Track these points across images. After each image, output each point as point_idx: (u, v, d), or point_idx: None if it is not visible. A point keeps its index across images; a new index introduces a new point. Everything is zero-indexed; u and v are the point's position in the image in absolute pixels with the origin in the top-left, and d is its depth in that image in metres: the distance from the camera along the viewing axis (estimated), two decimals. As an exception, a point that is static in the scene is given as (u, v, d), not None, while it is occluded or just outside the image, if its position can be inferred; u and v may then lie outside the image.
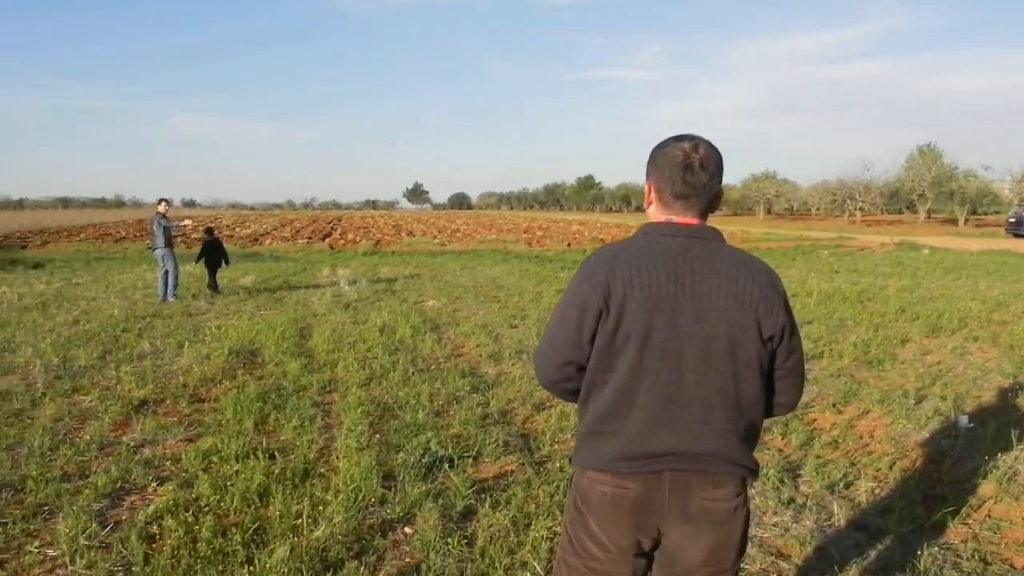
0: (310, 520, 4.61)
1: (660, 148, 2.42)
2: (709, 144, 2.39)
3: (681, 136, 2.41)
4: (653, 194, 2.45)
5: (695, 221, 2.39)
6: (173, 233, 15.21)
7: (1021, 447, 6.00)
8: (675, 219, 2.39)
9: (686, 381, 2.29)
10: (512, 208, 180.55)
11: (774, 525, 4.76)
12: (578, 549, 2.41)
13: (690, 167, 2.34)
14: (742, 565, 4.28)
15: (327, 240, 37.03)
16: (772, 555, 4.40)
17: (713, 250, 2.35)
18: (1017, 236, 40.53)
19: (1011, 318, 12.35)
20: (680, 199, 2.37)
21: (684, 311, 2.27)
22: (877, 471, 5.66)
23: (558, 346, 2.39)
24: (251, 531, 4.49)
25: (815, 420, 6.92)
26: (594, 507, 2.34)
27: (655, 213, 2.45)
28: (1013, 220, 42.92)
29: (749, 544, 4.46)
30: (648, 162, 2.46)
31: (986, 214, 70.53)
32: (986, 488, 5.28)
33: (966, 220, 60.31)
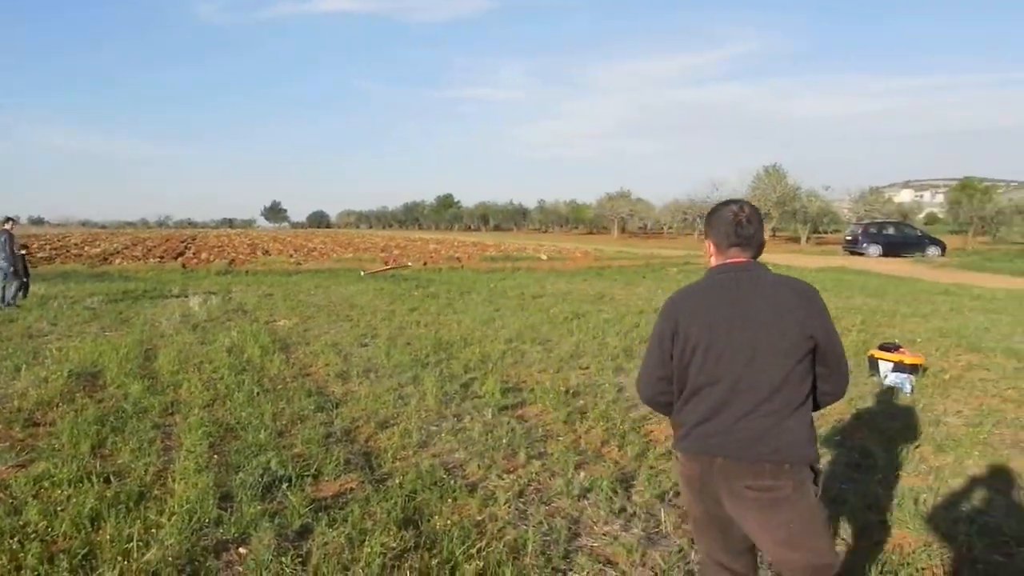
0: (142, 543, 4.56)
1: (715, 212, 3.25)
2: (751, 205, 3.24)
3: (729, 201, 3.29)
4: (712, 247, 3.24)
5: (744, 260, 3.15)
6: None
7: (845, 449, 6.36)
8: (730, 261, 3.16)
9: (742, 382, 2.99)
10: (371, 227, 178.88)
11: (604, 534, 4.94)
12: (686, 504, 3.38)
13: (740, 223, 3.14)
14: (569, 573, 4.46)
15: (180, 259, 35.95)
16: (600, 563, 4.56)
17: (757, 277, 3.10)
18: (853, 253, 42.80)
19: (842, 331, 12.96)
20: (735, 247, 3.16)
21: (736, 324, 3.01)
22: (706, 479, 5.90)
23: (651, 367, 3.23)
24: (80, 557, 4.42)
25: (651, 432, 7.16)
26: (682, 478, 3.25)
27: (716, 261, 3.22)
28: (850, 238, 45.40)
29: (578, 553, 4.66)
30: (705, 224, 3.30)
31: (826, 232, 73.49)
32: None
33: (808, 238, 62.86)
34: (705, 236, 3.29)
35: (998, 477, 6.01)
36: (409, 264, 32.79)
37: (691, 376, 3.07)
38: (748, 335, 2.97)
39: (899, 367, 8.85)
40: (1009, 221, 52.88)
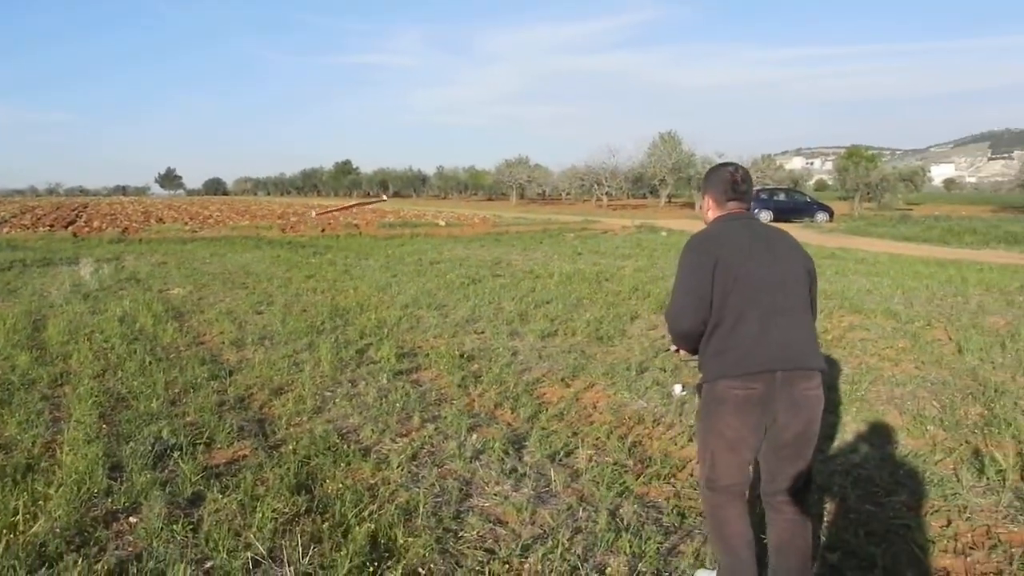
0: (29, 516, 4.51)
1: (713, 172, 3.82)
2: (743, 167, 3.78)
3: (725, 163, 3.83)
4: (712, 202, 3.77)
5: (744, 210, 3.72)
6: None
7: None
8: (734, 211, 3.70)
9: (778, 305, 3.43)
10: (269, 193, 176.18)
11: (495, 494, 5.02)
12: (716, 431, 3.49)
13: (735, 182, 3.68)
14: (456, 535, 4.56)
15: (71, 228, 34.95)
16: (491, 523, 4.64)
17: (761, 224, 3.74)
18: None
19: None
20: (732, 201, 3.70)
21: (766, 256, 3.49)
22: (596, 439, 6.05)
23: (692, 300, 3.48)
24: (-36, 531, 4.35)
25: (544, 394, 7.31)
26: (729, 404, 3.41)
27: (715, 214, 3.75)
28: (743, 204, 46.41)
29: (469, 513, 4.76)
30: (704, 182, 3.85)
31: (720, 198, 74.87)
32: (690, 450, 5.75)
33: (702, 204, 64.07)
34: (703, 193, 3.84)
35: (873, 432, 6.30)
36: (384, 198, 32.60)
37: (732, 303, 3.40)
38: (778, 266, 3.50)
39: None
40: (892, 188, 54.85)
